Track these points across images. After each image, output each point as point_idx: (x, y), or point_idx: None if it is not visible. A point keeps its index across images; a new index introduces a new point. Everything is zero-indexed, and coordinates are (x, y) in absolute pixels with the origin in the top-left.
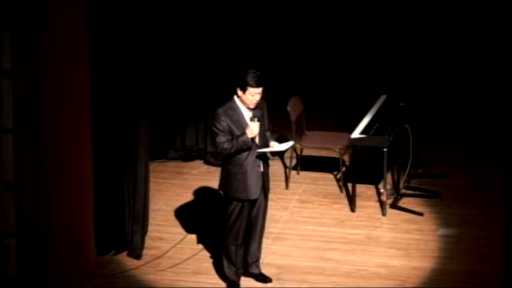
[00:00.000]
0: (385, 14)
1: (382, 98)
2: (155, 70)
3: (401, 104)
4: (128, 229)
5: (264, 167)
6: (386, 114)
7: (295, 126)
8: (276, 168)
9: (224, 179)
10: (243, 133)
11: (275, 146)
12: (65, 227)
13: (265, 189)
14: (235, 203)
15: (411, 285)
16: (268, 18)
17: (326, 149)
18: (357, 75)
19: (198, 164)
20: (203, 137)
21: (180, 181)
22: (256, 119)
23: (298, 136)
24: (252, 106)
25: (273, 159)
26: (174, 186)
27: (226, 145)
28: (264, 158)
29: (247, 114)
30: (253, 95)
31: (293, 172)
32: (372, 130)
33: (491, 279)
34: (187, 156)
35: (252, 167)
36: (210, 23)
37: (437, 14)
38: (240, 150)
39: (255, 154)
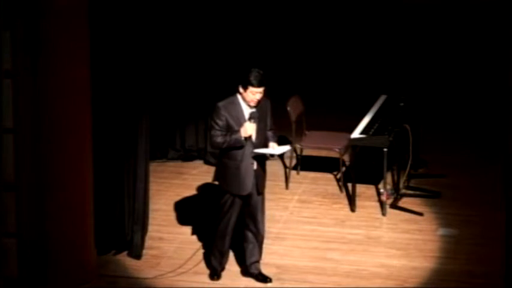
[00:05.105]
0: (385, 14)
1: (382, 98)
2: (155, 70)
3: (402, 104)
4: (128, 229)
5: (258, 165)
6: (386, 114)
7: (295, 126)
8: (276, 168)
9: (219, 172)
10: (238, 130)
11: (275, 148)
12: (65, 226)
13: (258, 187)
14: (227, 195)
15: (411, 285)
16: (268, 17)
17: (326, 149)
18: (357, 75)
19: (198, 164)
20: (203, 137)
21: (180, 181)
22: (253, 120)
23: (298, 136)
24: (252, 104)
25: (273, 160)
26: (174, 186)
27: (219, 139)
28: (259, 156)
29: (246, 111)
30: (254, 94)
31: (293, 172)
32: (372, 130)
33: (491, 279)
34: (187, 156)
35: (245, 163)
36: (210, 22)
37: (437, 13)
38: (233, 147)
39: (251, 152)
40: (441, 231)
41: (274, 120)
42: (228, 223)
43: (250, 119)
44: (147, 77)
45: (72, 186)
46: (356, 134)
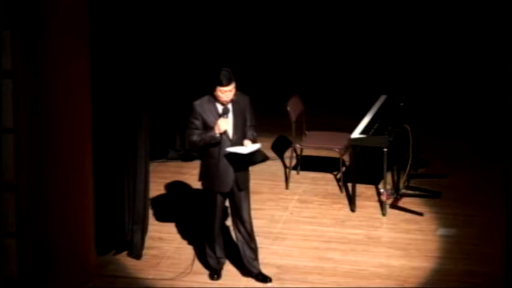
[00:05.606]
0: (385, 13)
1: (382, 98)
2: (155, 70)
3: (401, 104)
4: (128, 229)
5: (237, 162)
6: (386, 114)
7: (295, 126)
8: (276, 168)
9: (201, 171)
10: (212, 128)
11: (247, 146)
12: (65, 226)
13: (238, 183)
14: (210, 194)
15: (411, 285)
16: (269, 18)
17: (326, 149)
18: (357, 75)
19: (198, 164)
20: None
21: (180, 181)
22: (225, 116)
23: (298, 136)
24: (224, 103)
25: (273, 160)
26: (174, 186)
27: (195, 138)
28: (234, 154)
29: (221, 109)
30: (223, 93)
31: (293, 172)
32: (372, 130)
33: (491, 279)
34: (187, 156)
35: (224, 160)
36: (210, 23)
37: (437, 13)
38: (210, 144)
39: (226, 149)
40: (441, 231)
41: (275, 121)
42: (214, 222)
43: (222, 114)
44: (147, 77)
45: (72, 186)
46: (356, 134)
